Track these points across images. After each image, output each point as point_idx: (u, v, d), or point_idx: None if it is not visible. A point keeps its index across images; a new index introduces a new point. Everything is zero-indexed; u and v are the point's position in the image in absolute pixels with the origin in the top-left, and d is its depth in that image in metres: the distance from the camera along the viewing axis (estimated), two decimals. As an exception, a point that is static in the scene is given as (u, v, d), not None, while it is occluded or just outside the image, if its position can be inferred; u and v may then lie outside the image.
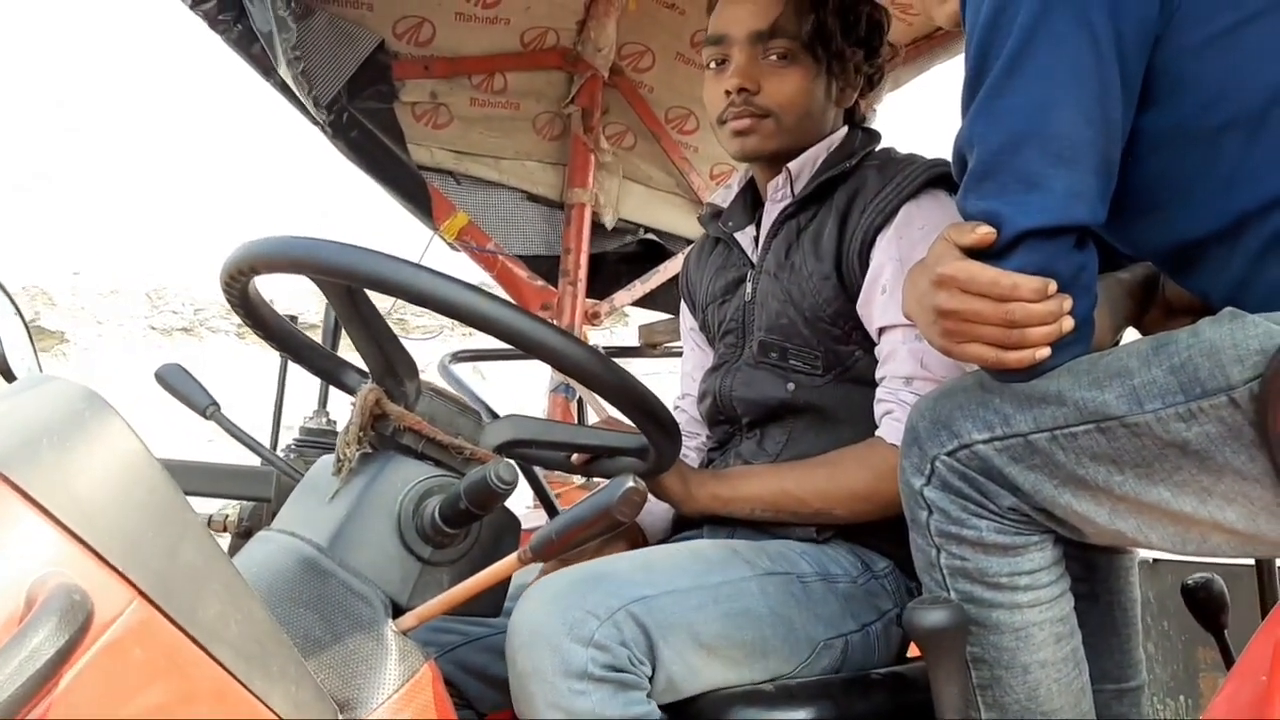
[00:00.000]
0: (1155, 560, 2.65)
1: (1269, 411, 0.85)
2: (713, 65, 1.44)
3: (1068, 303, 0.94)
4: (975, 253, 0.95)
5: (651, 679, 1.06)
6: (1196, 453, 0.90)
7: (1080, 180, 0.92)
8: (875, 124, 1.79)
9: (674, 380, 1.69)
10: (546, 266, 2.89)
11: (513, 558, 0.88)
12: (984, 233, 0.93)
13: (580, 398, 2.88)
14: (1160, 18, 0.92)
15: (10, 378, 1.41)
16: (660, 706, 1.07)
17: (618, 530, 0.89)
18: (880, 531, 1.28)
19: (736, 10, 1.41)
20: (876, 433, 1.28)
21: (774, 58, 1.38)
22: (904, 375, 1.27)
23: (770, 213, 1.45)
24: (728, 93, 1.39)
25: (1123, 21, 0.91)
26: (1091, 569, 1.21)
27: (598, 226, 2.96)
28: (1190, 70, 0.95)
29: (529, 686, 1.01)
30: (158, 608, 0.70)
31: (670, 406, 1.30)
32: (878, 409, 1.29)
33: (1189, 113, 0.95)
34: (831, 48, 1.40)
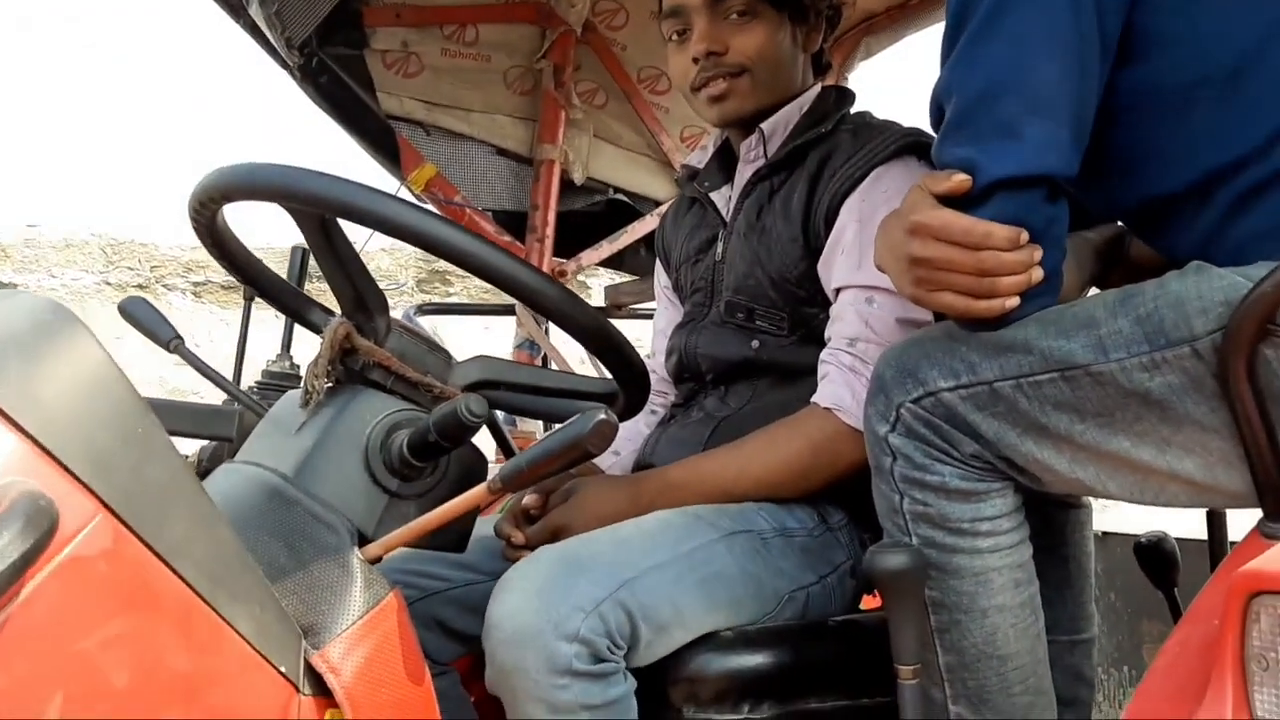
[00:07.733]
0: (1105, 533, 2.71)
1: (1230, 363, 0.87)
2: (674, 37, 1.44)
3: (1038, 253, 0.95)
4: (949, 202, 0.96)
5: (629, 653, 1.07)
6: (1158, 403, 0.91)
7: (1055, 131, 0.93)
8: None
9: (643, 344, 1.68)
10: (514, 222, 2.87)
11: (481, 488, 0.88)
12: (959, 180, 0.94)
13: (545, 355, 2.88)
14: None
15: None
16: (632, 669, 1.08)
17: (585, 463, 0.89)
18: (837, 484, 1.29)
19: None
20: (812, 398, 1.27)
21: (735, 15, 1.37)
22: (849, 337, 1.27)
23: (743, 173, 1.45)
24: (695, 60, 1.39)
25: None
26: (1048, 522, 1.23)
27: (567, 184, 2.94)
28: (1165, 28, 0.96)
29: (511, 682, 1.02)
30: (124, 523, 0.69)
31: None
32: (820, 370, 1.29)
33: (1162, 70, 0.97)
34: None
